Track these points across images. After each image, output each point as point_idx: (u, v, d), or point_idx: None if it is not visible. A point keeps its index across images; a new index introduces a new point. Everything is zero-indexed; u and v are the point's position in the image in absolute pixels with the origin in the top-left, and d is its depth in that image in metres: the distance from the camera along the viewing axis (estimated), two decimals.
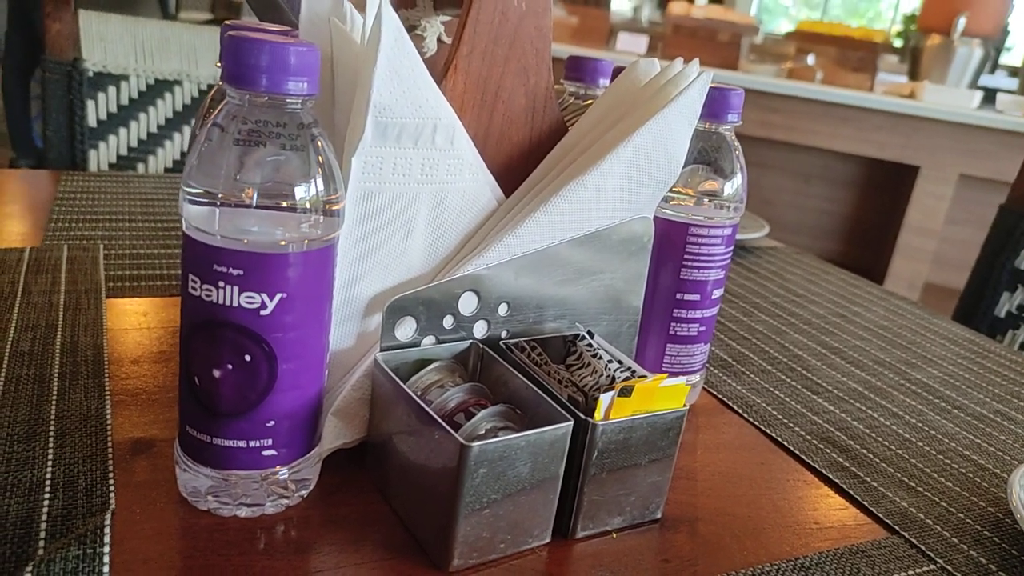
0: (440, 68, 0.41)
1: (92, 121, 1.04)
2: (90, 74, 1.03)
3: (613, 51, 2.74)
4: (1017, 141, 2.22)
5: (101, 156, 1.05)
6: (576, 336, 0.40)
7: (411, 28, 0.47)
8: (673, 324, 0.45)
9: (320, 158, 0.29)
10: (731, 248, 0.46)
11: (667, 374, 0.35)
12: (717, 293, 0.46)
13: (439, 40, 0.48)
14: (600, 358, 0.38)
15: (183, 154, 1.09)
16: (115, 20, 1.07)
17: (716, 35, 2.72)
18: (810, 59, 2.54)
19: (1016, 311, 0.95)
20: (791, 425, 0.47)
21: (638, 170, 0.40)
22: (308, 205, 0.29)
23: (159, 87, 1.07)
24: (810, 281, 0.78)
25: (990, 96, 2.64)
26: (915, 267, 2.41)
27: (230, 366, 0.30)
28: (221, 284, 0.29)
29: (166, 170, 1.08)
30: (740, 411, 0.48)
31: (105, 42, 1.05)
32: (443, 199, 0.36)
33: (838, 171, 2.71)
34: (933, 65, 2.52)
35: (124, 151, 1.06)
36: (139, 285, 0.53)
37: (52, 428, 0.36)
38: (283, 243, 0.29)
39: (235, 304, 0.29)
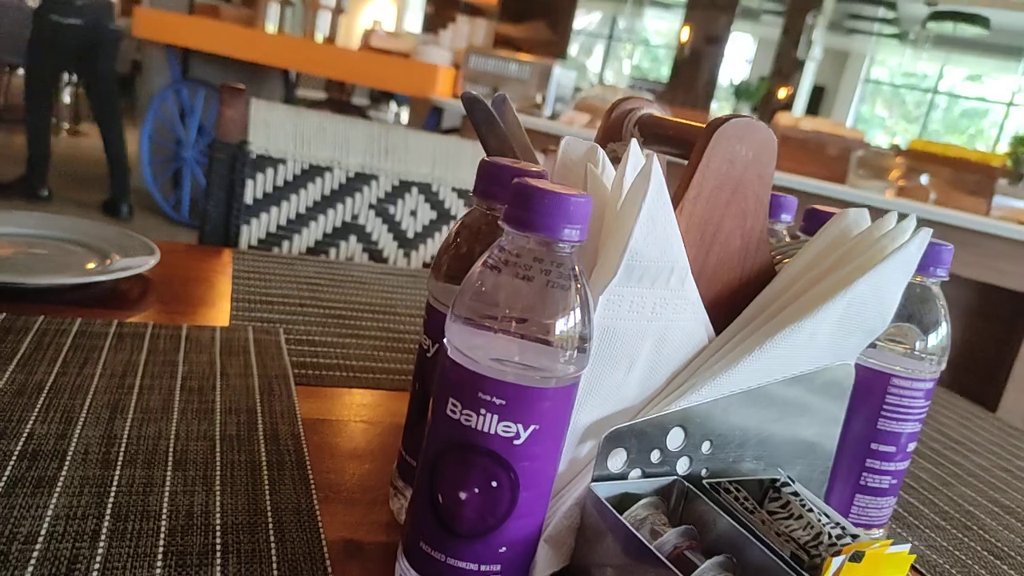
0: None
1: (249, 199, 1.12)
2: (253, 156, 1.12)
3: None
4: None
5: (253, 231, 1.12)
6: (775, 481, 0.40)
7: (617, 159, 0.49)
8: (865, 474, 0.44)
9: (580, 297, 0.31)
10: (928, 402, 0.45)
11: (891, 540, 0.34)
12: (911, 447, 0.45)
13: None
14: (810, 509, 0.37)
15: (325, 235, 1.15)
16: (280, 109, 1.16)
17: (824, 148, 2.72)
18: (923, 179, 2.50)
19: None
20: None
21: (849, 319, 0.40)
22: (566, 340, 0.30)
23: (312, 172, 1.14)
24: (964, 427, 0.75)
25: None
26: None
27: (476, 490, 0.31)
28: (483, 411, 0.30)
29: (308, 249, 1.14)
30: (926, 573, 0.46)
31: (269, 128, 1.14)
32: (665, 336, 0.37)
33: (951, 295, 2.61)
34: None
35: (273, 228, 1.13)
36: (321, 374, 0.56)
37: (270, 520, 0.37)
38: (541, 377, 0.30)
39: (492, 431, 0.30)
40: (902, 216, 0.43)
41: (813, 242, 0.44)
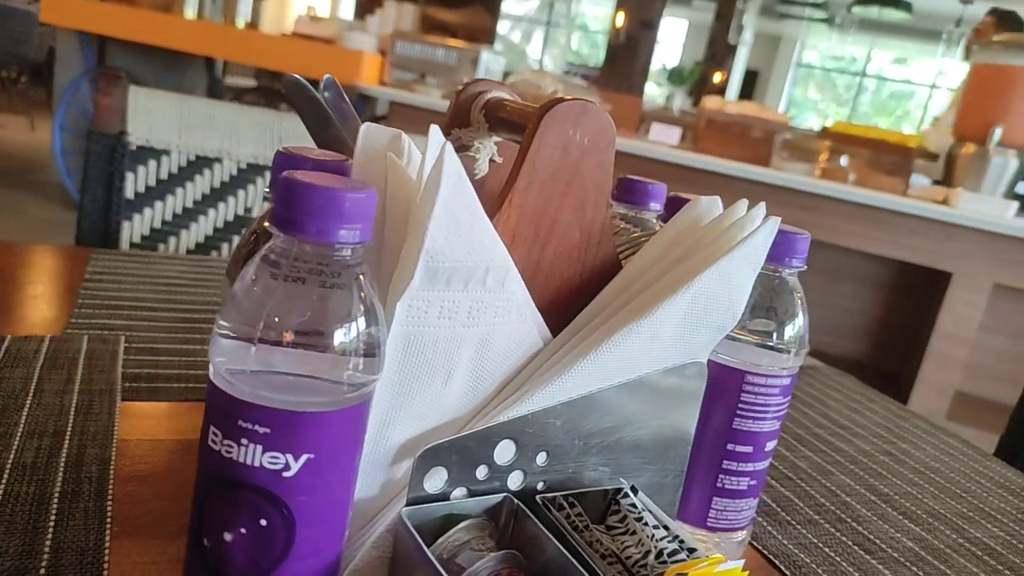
0: (491, 192, 0.39)
1: (130, 193, 1.05)
2: (133, 147, 1.05)
3: (645, 140, 2.78)
4: None
5: (135, 228, 1.05)
6: (619, 492, 0.37)
7: (464, 148, 0.45)
8: (722, 476, 0.42)
9: (364, 307, 0.27)
10: (788, 399, 0.43)
11: (723, 556, 0.32)
12: (770, 446, 0.43)
13: (491, 160, 0.46)
14: (645, 523, 0.35)
15: (216, 230, 1.09)
16: (163, 96, 1.09)
17: (749, 131, 2.75)
18: (843, 160, 2.55)
19: None
20: None
21: (696, 316, 0.38)
22: (344, 358, 0.27)
23: (198, 163, 1.08)
24: (852, 409, 0.75)
25: None
26: (946, 375, 2.34)
27: (243, 530, 0.27)
28: (244, 441, 0.26)
29: (197, 245, 1.08)
30: (789, 574, 0.44)
31: (151, 117, 1.07)
32: (488, 341, 0.34)
33: (867, 272, 2.68)
34: (968, 173, 2.51)
35: (158, 224, 1.06)
36: (157, 387, 0.51)
37: (45, 564, 0.33)
38: (312, 401, 0.26)
39: (257, 464, 0.26)
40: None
41: (661, 233, 0.41)
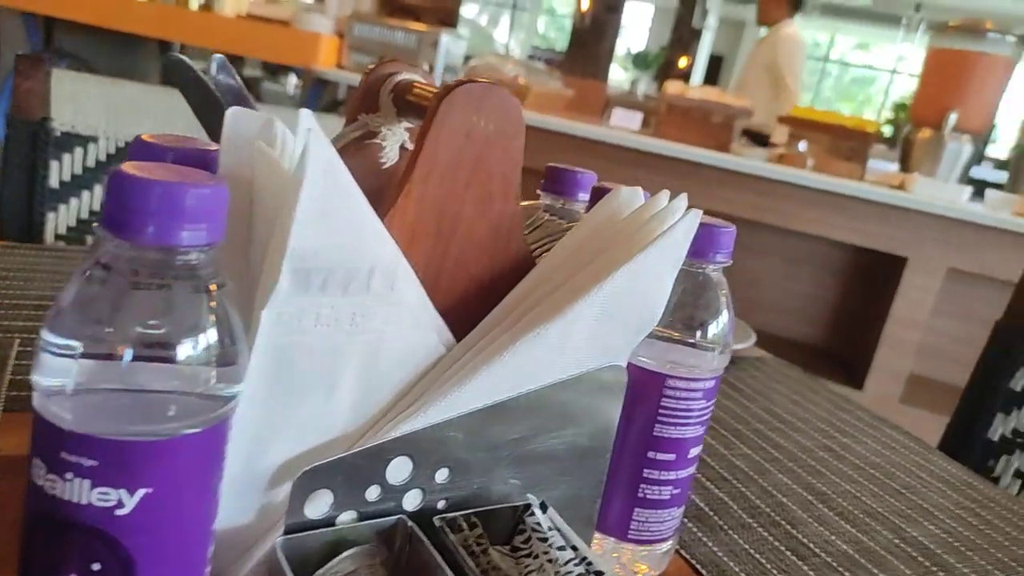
0: (396, 185, 0.36)
1: (54, 182, 0.99)
2: (57, 134, 0.99)
3: (606, 125, 2.75)
4: (1005, 238, 2.21)
5: (60, 219, 1.00)
6: (528, 508, 0.34)
7: (372, 135, 0.42)
8: (643, 486, 0.39)
9: (213, 303, 0.24)
10: (712, 402, 0.40)
11: (647, 567, 0.29)
12: (695, 452, 0.40)
13: (402, 148, 0.43)
14: (551, 543, 0.32)
15: None
16: (89, 80, 1.03)
17: (710, 116, 2.74)
18: (801, 146, 2.55)
19: (1011, 435, 0.90)
20: None
21: (611, 317, 0.35)
22: (192, 365, 0.24)
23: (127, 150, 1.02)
24: (795, 403, 0.73)
25: (979, 189, 2.65)
26: (900, 358, 2.37)
27: (73, 575, 0.24)
28: (69, 475, 0.23)
29: None
30: None
31: (76, 101, 1.01)
32: (378, 350, 0.31)
33: (825, 257, 2.70)
34: (924, 158, 2.54)
35: (85, 215, 1.01)
36: None
37: None
38: (147, 429, 0.23)
39: (85, 501, 0.23)
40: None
41: (578, 227, 0.38)
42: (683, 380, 0.39)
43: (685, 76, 7.22)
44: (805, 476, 0.58)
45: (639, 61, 7.63)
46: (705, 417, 0.40)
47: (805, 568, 0.46)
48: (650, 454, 0.39)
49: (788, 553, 0.47)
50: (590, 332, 0.35)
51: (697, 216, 0.37)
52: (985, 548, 0.52)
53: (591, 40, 6.19)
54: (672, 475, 0.40)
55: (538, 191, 0.52)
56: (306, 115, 0.27)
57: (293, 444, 0.30)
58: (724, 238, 0.39)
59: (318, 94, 3.32)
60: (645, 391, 0.39)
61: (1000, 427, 0.92)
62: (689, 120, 2.75)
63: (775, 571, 0.45)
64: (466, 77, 0.47)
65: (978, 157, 4.19)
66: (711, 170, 2.45)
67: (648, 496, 0.40)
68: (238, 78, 0.41)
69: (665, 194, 0.38)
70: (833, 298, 2.72)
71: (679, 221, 0.36)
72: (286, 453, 0.30)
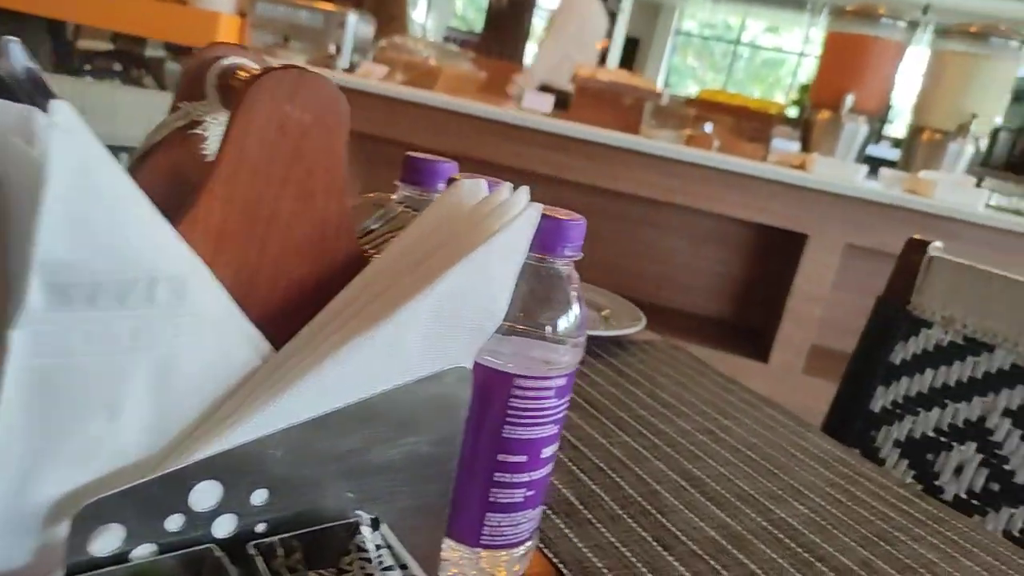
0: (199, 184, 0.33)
1: None
2: None
3: (517, 108, 2.74)
4: (898, 215, 2.31)
5: None
6: (357, 527, 0.32)
7: (194, 124, 0.39)
8: (494, 490, 0.38)
9: None
10: (566, 399, 0.39)
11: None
12: (549, 451, 0.39)
13: None
14: (378, 564, 0.30)
15: None
16: None
17: (620, 99, 2.76)
18: (707, 127, 2.60)
19: (891, 406, 0.94)
20: None
21: (449, 317, 0.33)
22: None
23: None
24: (681, 385, 0.74)
25: (876, 167, 2.77)
26: (802, 331, 2.47)
27: None
28: None
29: None
30: None
31: None
32: (171, 366, 0.28)
33: (732, 235, 2.77)
34: (823, 139, 2.63)
35: None
36: None
37: None
38: None
39: None
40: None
41: (416, 223, 0.36)
42: (532, 379, 0.37)
43: (602, 59, 7.27)
44: (682, 462, 0.58)
45: None
46: (559, 415, 0.39)
47: (670, 558, 0.45)
48: (500, 457, 0.38)
49: (654, 544, 0.46)
50: (426, 333, 0.33)
51: (538, 210, 0.35)
52: (851, 524, 0.54)
53: (508, 21, 6.15)
54: (525, 477, 0.38)
55: (396, 182, 0.49)
56: (57, 107, 0.23)
57: (73, 475, 0.27)
58: (572, 232, 0.38)
59: None
60: (492, 392, 0.37)
61: (881, 399, 0.95)
62: (600, 102, 2.77)
63: (639, 563, 0.44)
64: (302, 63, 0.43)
65: (875, 137, 4.38)
66: (622, 152, 2.47)
67: (500, 500, 0.38)
68: (35, 64, 0.37)
69: (507, 187, 0.36)
70: (740, 274, 2.80)
71: (520, 215, 0.34)
72: (64, 486, 0.27)
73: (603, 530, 0.47)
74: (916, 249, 0.94)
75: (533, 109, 2.79)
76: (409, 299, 0.32)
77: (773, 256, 2.73)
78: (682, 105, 3.09)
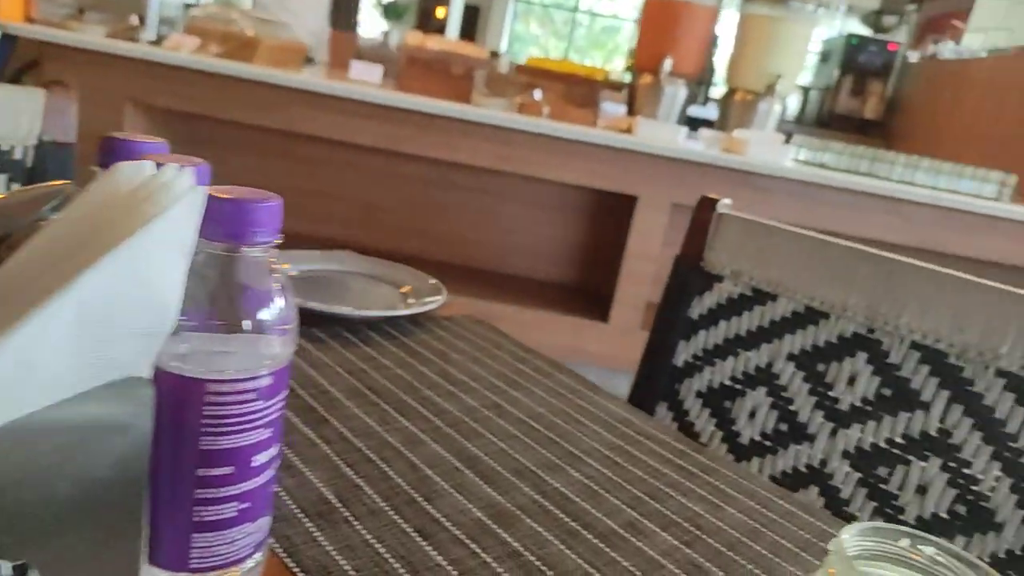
0: None
1: None
2: None
3: (345, 80, 2.63)
4: (717, 172, 2.45)
5: None
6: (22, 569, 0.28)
7: None
8: (198, 509, 0.34)
9: None
10: (278, 398, 0.36)
11: None
12: (262, 458, 0.36)
13: None
14: None
15: None
16: None
17: (450, 68, 2.72)
18: (537, 94, 2.62)
19: (691, 360, 0.98)
20: None
21: (100, 323, 0.29)
22: None
23: None
24: (475, 360, 0.72)
25: (699, 128, 2.91)
26: (637, 289, 2.57)
27: None
28: None
29: None
30: None
31: None
32: None
33: (570, 201, 2.83)
34: (646, 102, 2.72)
35: None
36: None
37: None
38: None
39: None
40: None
41: (64, 214, 0.31)
42: (229, 382, 0.33)
43: (441, 27, 7.17)
44: (461, 441, 0.56)
45: (391, 11, 7.43)
46: (270, 417, 0.35)
47: (427, 547, 0.43)
48: (201, 472, 0.34)
49: (414, 534, 0.44)
50: (74, 342, 0.28)
51: (201, 193, 0.31)
52: (623, 486, 0.54)
53: None
54: (235, 490, 0.35)
55: (92, 167, 0.43)
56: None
57: None
58: (262, 215, 0.34)
59: (5, 53, 2.83)
60: (183, 401, 0.33)
61: (683, 353, 0.99)
62: (430, 72, 2.72)
63: (392, 559, 0.42)
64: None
65: (703, 99, 4.62)
66: (453, 122, 2.44)
67: (207, 518, 0.34)
68: None
69: (172, 168, 0.32)
70: (580, 238, 2.88)
71: (179, 201, 0.30)
72: None
73: (359, 527, 0.44)
74: (707, 207, 0.98)
75: (361, 80, 2.70)
76: (44, 305, 0.27)
77: (608, 219, 2.82)
78: (512, 73, 3.09)
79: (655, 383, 1.00)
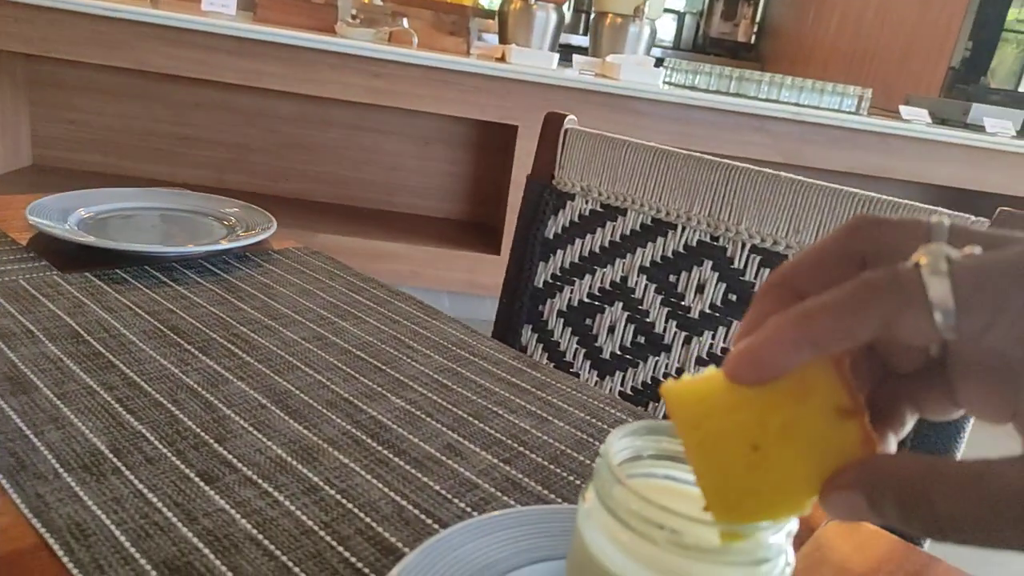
0: None
1: None
2: None
3: (197, 12, 2.43)
4: (593, 97, 2.43)
5: None
6: None
7: None
8: None
9: None
10: None
11: None
12: None
13: None
14: None
15: None
16: None
17: None
18: (404, 23, 2.50)
19: (551, 279, 0.97)
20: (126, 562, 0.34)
21: None
22: None
23: None
24: (305, 293, 0.67)
25: (571, 54, 2.87)
26: None
27: None
28: None
29: None
30: (61, 552, 0.34)
31: None
32: None
33: (454, 133, 2.76)
34: (518, 29, 2.65)
35: None
36: None
37: None
38: None
39: None
40: None
41: None
42: None
43: None
44: (272, 376, 0.52)
45: None
46: None
47: (210, 491, 0.39)
48: None
49: (197, 479, 0.40)
50: None
51: None
52: (448, 408, 0.52)
53: None
54: None
55: None
56: None
57: None
58: None
59: None
60: None
61: (543, 274, 0.97)
62: (288, 3, 2.54)
63: (164, 507, 0.38)
64: None
65: (581, 28, 4.57)
66: (319, 54, 2.30)
67: None
68: None
69: None
70: (467, 171, 2.82)
71: None
72: None
73: (131, 477, 0.40)
74: (554, 124, 0.95)
75: (215, 12, 2.49)
76: None
77: (492, 151, 2.77)
78: (378, 2, 2.94)
79: (518, 306, 0.99)
